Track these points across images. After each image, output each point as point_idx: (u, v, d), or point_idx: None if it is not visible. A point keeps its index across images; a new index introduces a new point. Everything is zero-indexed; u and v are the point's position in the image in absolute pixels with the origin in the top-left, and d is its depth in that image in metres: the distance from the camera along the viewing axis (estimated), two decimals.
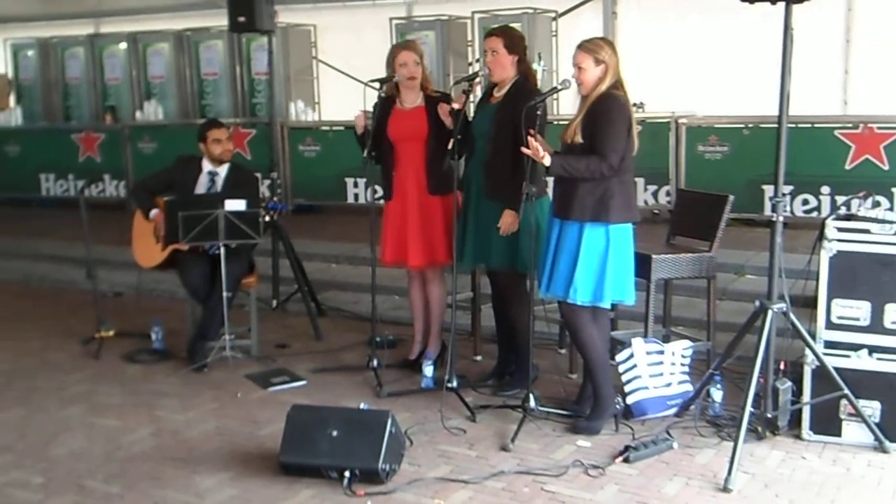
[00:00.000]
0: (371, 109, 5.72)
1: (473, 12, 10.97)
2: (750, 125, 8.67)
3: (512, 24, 8.39)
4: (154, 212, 6.32)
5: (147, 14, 13.48)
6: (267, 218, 6.22)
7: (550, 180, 5.23)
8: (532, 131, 4.70)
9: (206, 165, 6.33)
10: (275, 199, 6.89)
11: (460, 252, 5.45)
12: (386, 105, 5.72)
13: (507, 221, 5.18)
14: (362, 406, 4.78)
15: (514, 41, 5.35)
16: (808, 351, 4.69)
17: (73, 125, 13.03)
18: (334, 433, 4.38)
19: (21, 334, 7.11)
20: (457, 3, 11.40)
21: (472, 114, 5.62)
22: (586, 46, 4.80)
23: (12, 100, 14.17)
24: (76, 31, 13.72)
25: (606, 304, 4.89)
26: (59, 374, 6.15)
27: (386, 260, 5.83)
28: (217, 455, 4.79)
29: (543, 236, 5.05)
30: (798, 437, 4.78)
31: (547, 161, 4.68)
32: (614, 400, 4.97)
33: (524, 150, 4.71)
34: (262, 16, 7.49)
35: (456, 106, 5.35)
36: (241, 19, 7.57)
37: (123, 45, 13.14)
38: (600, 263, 4.78)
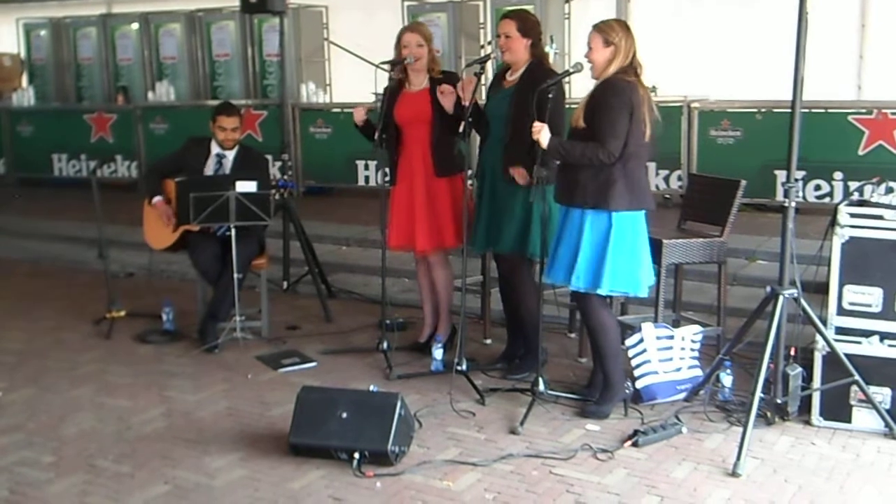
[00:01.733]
0: (381, 93, 5.72)
1: None
2: (763, 110, 8.61)
3: (524, 7, 8.37)
4: (157, 199, 6.33)
5: None
6: (277, 196, 6.21)
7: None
8: (535, 123, 4.69)
9: (215, 148, 6.33)
10: (284, 177, 6.89)
11: (473, 235, 5.46)
12: (395, 89, 5.70)
13: (520, 172, 5.16)
14: (372, 388, 4.79)
15: (527, 25, 5.32)
16: (818, 337, 4.68)
17: (85, 105, 13.05)
18: (344, 415, 4.40)
19: (33, 314, 7.15)
20: None
21: (483, 96, 5.61)
22: (599, 27, 4.75)
23: (24, 80, 14.20)
24: (88, 11, 13.74)
25: (604, 292, 4.77)
26: (70, 353, 6.19)
27: (391, 244, 5.82)
28: (227, 435, 4.81)
29: (546, 225, 5.03)
30: (808, 423, 4.77)
31: (544, 141, 4.65)
32: (624, 384, 4.97)
33: (533, 127, 4.70)
34: None
35: (462, 95, 5.32)
36: (254, 0, 7.54)
37: (135, 26, 13.14)
38: (600, 250, 4.70)
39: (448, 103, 5.36)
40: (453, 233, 5.61)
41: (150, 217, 6.49)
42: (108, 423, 5.00)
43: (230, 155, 6.33)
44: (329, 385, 5.17)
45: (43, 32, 13.85)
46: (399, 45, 5.62)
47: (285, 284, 7.57)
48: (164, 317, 6.47)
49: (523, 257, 5.35)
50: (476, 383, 5.24)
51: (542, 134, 4.67)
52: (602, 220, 4.71)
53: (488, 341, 6.20)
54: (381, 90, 5.79)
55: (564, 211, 4.85)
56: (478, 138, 5.68)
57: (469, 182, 5.72)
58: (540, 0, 10.35)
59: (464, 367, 5.23)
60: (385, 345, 5.72)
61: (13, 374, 5.81)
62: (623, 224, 4.72)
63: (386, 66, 5.71)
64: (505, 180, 5.29)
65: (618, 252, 4.71)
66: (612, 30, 4.72)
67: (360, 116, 5.71)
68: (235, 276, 5.96)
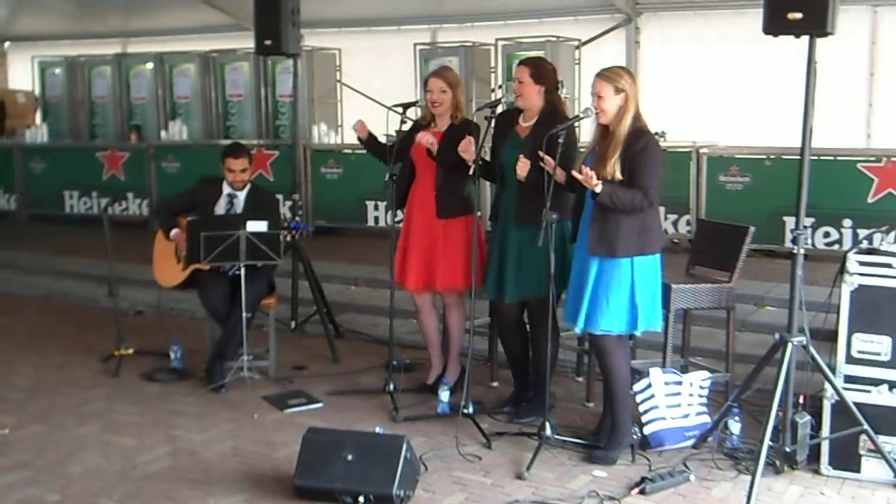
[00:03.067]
0: (393, 135, 5.79)
1: (497, 39, 11.04)
2: (772, 156, 8.64)
3: (535, 52, 8.45)
4: (174, 231, 6.37)
5: (174, 35, 13.63)
6: (288, 238, 6.25)
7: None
8: (547, 157, 4.69)
9: (227, 188, 6.37)
10: (296, 218, 6.93)
11: (488, 280, 5.47)
12: (420, 126, 5.78)
13: (521, 163, 5.14)
14: (378, 430, 4.78)
15: (541, 72, 5.37)
16: (827, 385, 4.66)
17: (98, 143, 13.16)
18: (349, 457, 4.38)
19: (42, 350, 7.16)
20: (481, 30, 11.49)
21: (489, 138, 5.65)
22: (605, 75, 4.80)
23: (38, 117, 14.33)
24: (104, 50, 13.89)
25: (639, 332, 4.94)
26: (78, 390, 6.19)
27: (410, 287, 5.85)
28: (232, 476, 4.79)
29: (570, 259, 5.08)
30: (817, 472, 4.74)
31: (599, 188, 4.64)
32: (631, 430, 4.95)
33: (575, 174, 4.67)
34: (288, 40, 7.53)
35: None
36: (268, 43, 7.61)
37: (150, 65, 13.29)
38: (653, 290, 4.87)
39: (468, 157, 5.38)
40: (465, 274, 5.63)
41: (161, 253, 6.52)
42: (113, 462, 4.99)
43: (241, 195, 6.37)
44: (335, 426, 5.15)
45: (58, 70, 14.00)
46: (425, 88, 5.71)
47: (293, 324, 7.58)
48: (172, 355, 6.47)
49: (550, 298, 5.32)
50: (482, 427, 5.22)
51: (595, 182, 4.60)
52: (625, 266, 4.76)
53: (495, 384, 6.18)
54: (393, 132, 5.85)
55: (599, 261, 4.82)
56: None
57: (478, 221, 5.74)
58: (550, 45, 10.45)
59: (470, 410, 5.22)
60: (392, 386, 5.72)
61: (22, 410, 5.81)
62: (646, 267, 4.81)
63: (398, 109, 5.77)
64: (520, 224, 5.28)
65: (643, 294, 4.81)
66: (620, 77, 4.77)
67: (362, 130, 5.82)
68: (244, 315, 5.97)
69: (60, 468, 4.91)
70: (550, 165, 4.73)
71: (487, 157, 5.62)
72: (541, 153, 4.73)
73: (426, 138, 5.50)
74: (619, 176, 4.70)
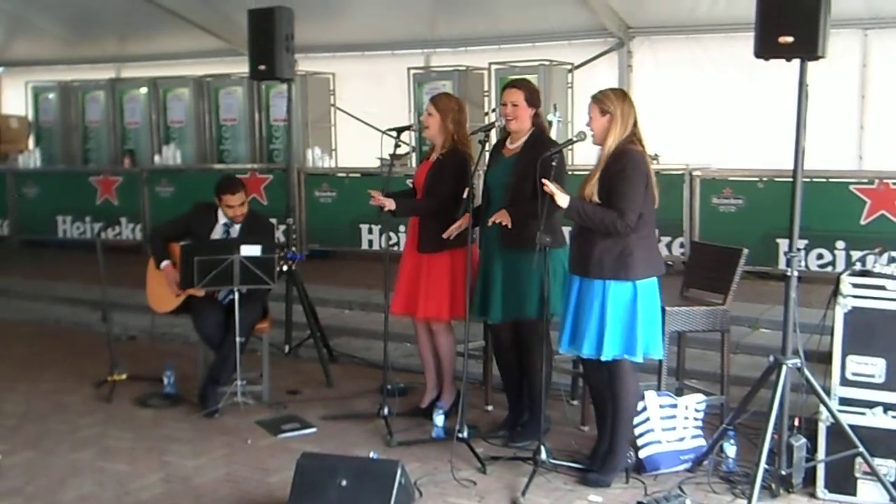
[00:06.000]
0: (387, 159, 5.84)
1: (490, 63, 11.07)
2: (764, 178, 8.68)
3: (528, 76, 8.48)
4: (165, 263, 6.35)
5: (168, 60, 13.64)
6: (285, 268, 6.27)
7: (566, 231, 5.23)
8: (545, 181, 4.70)
9: (222, 217, 6.35)
10: (293, 249, 6.93)
11: (474, 304, 5.46)
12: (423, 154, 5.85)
13: (503, 215, 5.16)
14: (372, 455, 4.76)
15: (532, 95, 5.43)
16: (822, 407, 4.65)
17: (91, 168, 13.13)
18: (343, 482, 4.36)
19: (35, 376, 7.12)
20: (474, 54, 11.52)
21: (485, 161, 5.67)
22: (596, 97, 4.84)
23: (31, 142, 14.33)
24: (97, 75, 13.90)
25: (638, 358, 4.80)
26: (70, 416, 6.15)
27: (394, 310, 5.90)
28: (226, 502, 4.77)
29: (563, 287, 5.05)
30: (812, 495, 4.72)
31: (563, 202, 4.63)
32: (627, 453, 4.94)
33: (546, 186, 4.65)
34: (282, 65, 7.56)
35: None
36: (262, 67, 7.63)
37: (144, 90, 13.29)
38: (629, 318, 4.73)
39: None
40: (451, 304, 5.64)
41: (154, 280, 6.50)
42: (106, 488, 4.96)
43: (238, 224, 6.34)
44: (329, 451, 5.13)
45: (51, 95, 14.00)
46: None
47: (287, 348, 7.56)
48: (166, 380, 6.45)
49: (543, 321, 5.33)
50: (477, 451, 5.20)
51: (560, 195, 4.64)
52: (626, 290, 4.73)
53: (490, 408, 6.16)
54: (387, 156, 5.87)
55: (579, 282, 4.83)
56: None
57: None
58: (544, 69, 10.49)
59: (465, 434, 5.20)
60: (386, 410, 5.70)
61: (14, 436, 5.78)
62: (645, 291, 4.77)
63: (392, 133, 5.79)
64: (509, 247, 5.29)
65: (645, 317, 4.76)
66: (608, 99, 4.79)
67: (388, 204, 5.63)
68: (238, 339, 5.95)
69: (53, 495, 4.88)
70: (551, 191, 4.69)
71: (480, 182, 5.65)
72: (544, 181, 4.72)
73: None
74: (595, 198, 4.70)
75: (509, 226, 5.15)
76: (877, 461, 4.57)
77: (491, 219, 5.19)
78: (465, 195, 5.27)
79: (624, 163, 4.69)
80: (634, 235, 4.69)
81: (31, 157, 13.41)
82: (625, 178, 4.66)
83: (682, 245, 8.98)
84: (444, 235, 5.46)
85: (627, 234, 4.66)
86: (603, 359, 4.77)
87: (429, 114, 5.69)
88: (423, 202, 5.69)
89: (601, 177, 4.72)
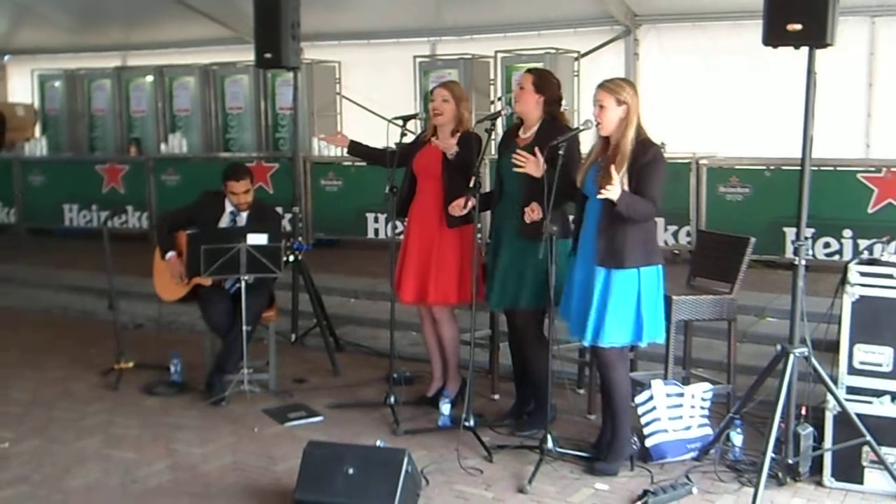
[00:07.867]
0: (393, 145, 5.82)
1: (496, 51, 11.05)
2: (772, 167, 8.64)
3: (535, 64, 8.46)
4: (170, 254, 6.36)
5: (174, 48, 13.63)
6: (291, 258, 6.28)
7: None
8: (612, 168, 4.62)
9: (229, 205, 6.35)
10: (299, 239, 6.94)
11: (489, 292, 5.47)
12: (420, 141, 5.83)
13: (532, 207, 5.12)
14: (379, 444, 4.77)
15: (543, 82, 5.39)
16: (829, 396, 4.65)
17: (97, 156, 13.14)
18: (350, 471, 4.37)
19: (41, 364, 7.14)
20: (480, 42, 11.49)
21: (493, 151, 5.65)
22: (608, 86, 4.80)
23: (37, 130, 14.34)
24: (103, 63, 13.89)
25: (643, 344, 4.94)
26: (77, 404, 6.17)
27: (405, 299, 5.85)
28: (232, 490, 4.78)
29: (566, 278, 5.04)
30: (819, 483, 4.72)
31: (615, 195, 4.57)
32: (631, 440, 4.94)
33: (605, 188, 4.56)
34: (288, 53, 7.54)
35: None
36: (268, 56, 7.61)
37: (150, 78, 13.29)
38: (656, 300, 4.88)
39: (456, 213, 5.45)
40: (459, 288, 5.62)
41: (161, 268, 6.50)
42: (113, 476, 4.98)
43: (244, 212, 6.34)
44: (335, 440, 5.13)
45: (57, 84, 14.00)
46: (429, 99, 5.75)
47: (293, 337, 7.57)
48: (172, 368, 6.46)
49: (539, 311, 5.33)
50: (484, 440, 5.21)
51: (613, 189, 4.55)
52: (632, 277, 4.76)
53: (496, 396, 6.16)
54: (393, 145, 5.86)
55: (606, 273, 4.80)
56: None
57: (478, 236, 5.74)
58: (549, 57, 10.46)
59: (471, 422, 5.20)
60: (392, 399, 5.70)
61: (20, 424, 5.79)
62: (650, 278, 4.82)
63: (398, 121, 5.78)
64: (521, 237, 5.27)
65: (648, 305, 4.81)
66: (622, 88, 4.78)
67: (343, 142, 5.98)
68: (244, 328, 5.96)
69: (59, 482, 4.89)
70: (613, 180, 4.58)
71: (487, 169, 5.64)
72: (536, 150, 4.73)
73: (445, 143, 5.53)
74: (625, 187, 4.69)
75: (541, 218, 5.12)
76: (884, 450, 4.57)
77: (527, 217, 5.13)
78: (471, 183, 5.24)
79: (654, 152, 4.75)
80: (651, 222, 4.84)
81: (37, 146, 13.40)
82: (655, 168, 4.73)
83: (688, 234, 8.95)
84: (450, 210, 5.43)
85: (650, 221, 4.82)
86: (604, 345, 4.81)
87: (444, 100, 5.66)
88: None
89: (630, 168, 4.70)
